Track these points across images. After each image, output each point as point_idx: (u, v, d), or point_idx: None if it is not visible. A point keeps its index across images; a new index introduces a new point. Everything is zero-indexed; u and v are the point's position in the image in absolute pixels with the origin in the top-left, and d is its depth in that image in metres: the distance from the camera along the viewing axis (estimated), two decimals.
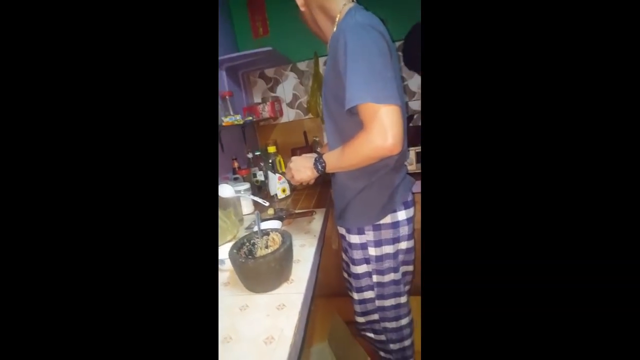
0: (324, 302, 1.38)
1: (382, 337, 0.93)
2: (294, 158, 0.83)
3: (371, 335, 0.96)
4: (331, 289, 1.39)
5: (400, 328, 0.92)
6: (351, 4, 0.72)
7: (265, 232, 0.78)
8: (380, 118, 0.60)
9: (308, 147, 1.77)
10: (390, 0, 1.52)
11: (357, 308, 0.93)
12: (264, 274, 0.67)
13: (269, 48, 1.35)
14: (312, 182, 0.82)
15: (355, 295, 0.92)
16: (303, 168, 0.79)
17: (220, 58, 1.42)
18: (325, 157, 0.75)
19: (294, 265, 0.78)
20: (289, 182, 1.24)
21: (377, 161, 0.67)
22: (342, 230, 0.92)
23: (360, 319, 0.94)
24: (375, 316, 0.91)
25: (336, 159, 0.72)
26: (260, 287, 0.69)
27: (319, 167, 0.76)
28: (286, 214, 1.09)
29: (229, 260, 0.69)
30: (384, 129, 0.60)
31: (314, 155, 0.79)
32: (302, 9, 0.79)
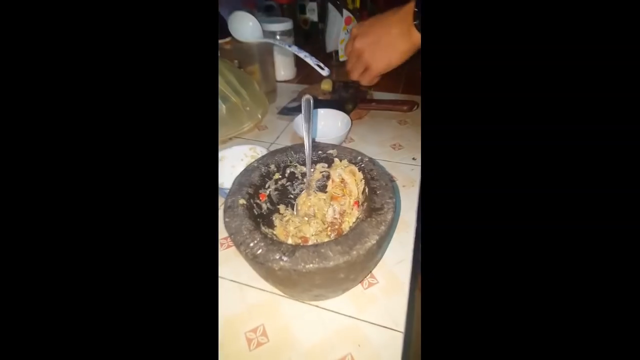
0: None
1: None
2: (365, 24, 0.44)
3: None
4: None
5: None
6: None
7: (326, 158, 0.30)
8: None
9: None
10: None
11: None
12: (307, 286, 0.24)
13: None
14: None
15: None
16: (387, 41, 0.41)
17: None
18: None
19: None
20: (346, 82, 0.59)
21: None
22: None
23: None
24: None
25: None
26: (300, 295, 0.28)
27: None
28: (357, 95, 0.56)
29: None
30: None
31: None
32: None
